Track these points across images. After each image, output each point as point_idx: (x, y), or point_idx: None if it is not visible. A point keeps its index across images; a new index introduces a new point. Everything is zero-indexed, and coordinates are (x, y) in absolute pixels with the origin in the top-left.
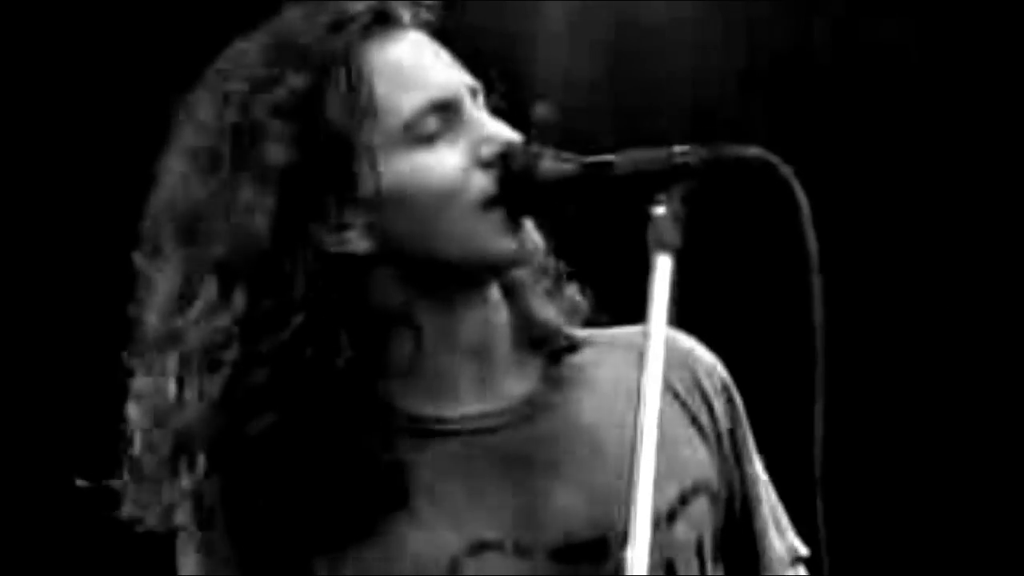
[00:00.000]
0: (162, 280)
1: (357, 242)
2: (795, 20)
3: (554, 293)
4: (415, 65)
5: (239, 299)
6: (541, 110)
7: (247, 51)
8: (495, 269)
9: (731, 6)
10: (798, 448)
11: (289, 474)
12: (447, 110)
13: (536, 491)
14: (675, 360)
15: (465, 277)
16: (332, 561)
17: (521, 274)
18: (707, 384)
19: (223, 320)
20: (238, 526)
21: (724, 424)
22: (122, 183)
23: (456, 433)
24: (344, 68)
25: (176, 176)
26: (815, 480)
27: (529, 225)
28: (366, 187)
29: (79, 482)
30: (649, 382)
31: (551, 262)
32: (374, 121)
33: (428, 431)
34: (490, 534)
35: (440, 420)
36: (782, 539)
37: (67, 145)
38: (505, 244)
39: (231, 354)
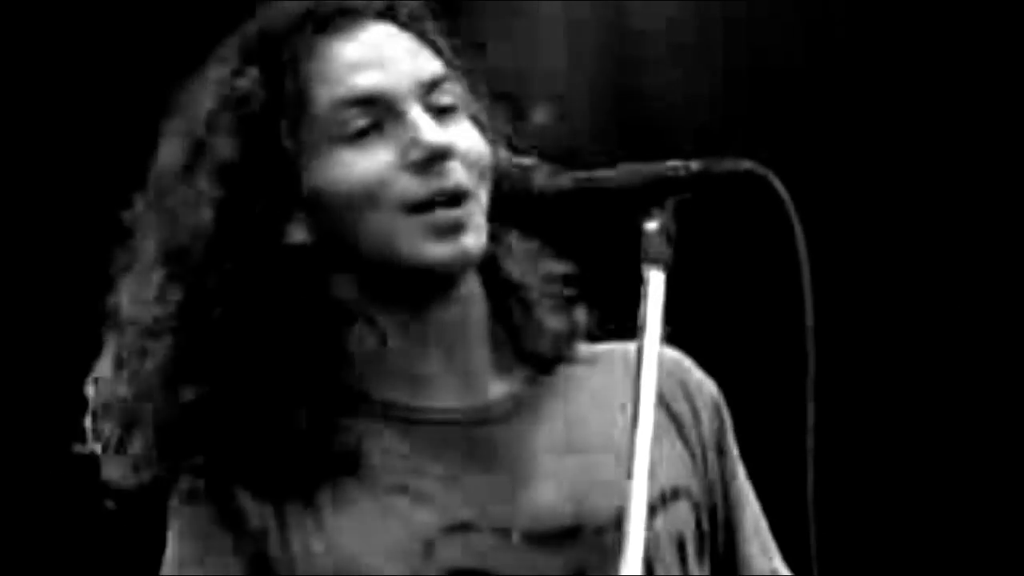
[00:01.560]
0: (131, 263)
1: (295, 233)
2: (795, 22)
3: (554, 313)
4: (357, 61)
5: (177, 290)
6: (540, 114)
7: (234, 40)
8: (430, 273)
9: (732, 7)
10: (790, 460)
11: (256, 458)
12: (374, 105)
13: (514, 481)
14: (666, 368)
15: (409, 279)
16: (305, 544)
17: (519, 283)
18: (696, 397)
19: (161, 309)
20: (215, 512)
21: (710, 439)
22: (121, 173)
23: (433, 422)
24: (287, 65)
25: (159, 161)
26: (808, 495)
27: (473, 233)
28: (300, 181)
29: (77, 448)
30: (643, 397)
31: (558, 278)
32: (304, 117)
33: (403, 419)
34: (466, 516)
35: (416, 409)
36: (766, 560)
37: (60, 141)
38: (432, 249)
39: (164, 342)
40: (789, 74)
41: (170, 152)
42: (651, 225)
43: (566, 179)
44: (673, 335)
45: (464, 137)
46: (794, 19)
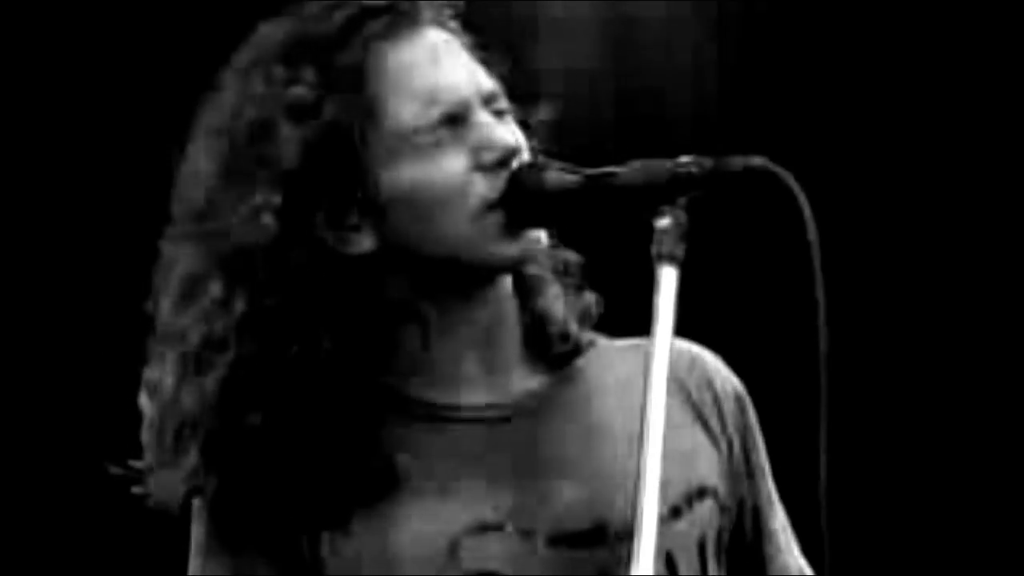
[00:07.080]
0: (176, 272)
1: (363, 242)
2: (794, 19)
3: (569, 296)
4: (425, 73)
5: (240, 300)
6: (541, 112)
7: (269, 42)
8: (497, 271)
9: (731, 5)
10: (803, 455)
11: (289, 459)
12: (451, 112)
13: (539, 480)
14: (691, 366)
15: (470, 277)
16: (334, 540)
17: (539, 274)
18: (720, 391)
19: (224, 320)
20: (240, 512)
21: (734, 433)
22: (145, 174)
23: (462, 420)
24: (353, 72)
25: (196, 168)
26: (820, 493)
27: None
28: (371, 191)
29: (112, 469)
30: (653, 394)
31: (570, 266)
32: (378, 127)
33: (435, 416)
34: (492, 516)
35: (447, 407)
36: (791, 559)
37: (86, 141)
38: (505, 248)
39: (228, 355)
40: (789, 73)
41: (211, 164)
42: (663, 222)
43: (577, 177)
44: (686, 332)
45: (520, 138)
46: (793, 16)
